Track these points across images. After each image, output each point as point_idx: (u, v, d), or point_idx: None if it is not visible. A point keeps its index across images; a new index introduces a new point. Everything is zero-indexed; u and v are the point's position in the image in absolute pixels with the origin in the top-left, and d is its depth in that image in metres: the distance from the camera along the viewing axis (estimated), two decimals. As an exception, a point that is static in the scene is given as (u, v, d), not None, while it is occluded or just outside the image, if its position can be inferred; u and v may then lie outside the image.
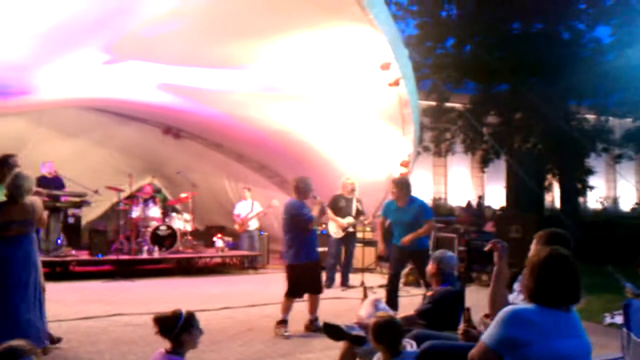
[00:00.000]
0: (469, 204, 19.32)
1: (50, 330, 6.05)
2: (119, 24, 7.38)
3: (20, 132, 12.03)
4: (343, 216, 10.47)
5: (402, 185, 7.79)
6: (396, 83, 9.32)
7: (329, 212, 10.42)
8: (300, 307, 7.14)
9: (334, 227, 10.61)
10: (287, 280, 7.06)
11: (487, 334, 2.79)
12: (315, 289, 7.11)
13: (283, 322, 6.87)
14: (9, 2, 6.30)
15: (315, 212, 7.14)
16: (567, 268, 2.81)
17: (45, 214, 6.02)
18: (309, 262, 7.04)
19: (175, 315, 3.54)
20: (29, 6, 6.46)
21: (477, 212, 16.95)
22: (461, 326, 4.02)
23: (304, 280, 7.01)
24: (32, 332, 5.38)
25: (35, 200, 5.78)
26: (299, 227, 7.02)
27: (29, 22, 6.68)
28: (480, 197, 22.46)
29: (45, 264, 6.60)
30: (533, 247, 3.87)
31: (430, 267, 5.09)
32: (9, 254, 5.53)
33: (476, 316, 3.82)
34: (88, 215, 13.45)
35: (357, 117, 10.56)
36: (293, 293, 7.00)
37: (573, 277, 2.81)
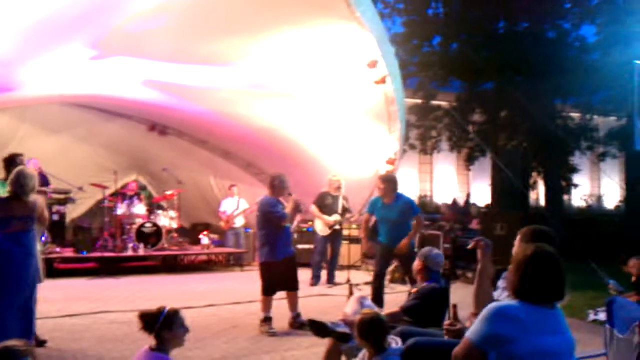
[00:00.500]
0: (454, 202, 19.39)
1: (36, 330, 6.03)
2: (105, 19, 7.32)
3: (4, 128, 11.93)
4: (329, 214, 10.47)
5: (389, 181, 7.80)
6: (383, 81, 9.32)
7: (315, 209, 10.42)
8: (284, 305, 7.14)
9: (320, 225, 10.60)
10: (262, 278, 7.04)
11: (472, 331, 2.79)
12: (292, 286, 7.09)
13: (267, 320, 6.86)
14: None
15: (289, 209, 7.12)
16: (552, 265, 2.82)
17: (47, 213, 6.01)
18: (283, 259, 7.01)
19: (158, 312, 3.53)
20: (13, 1, 6.39)
21: (462, 210, 17.02)
22: (446, 322, 4.04)
23: (280, 278, 6.98)
24: (24, 330, 5.37)
25: (38, 198, 5.78)
26: (273, 224, 7.00)
27: (12, 16, 6.61)
28: (469, 195, 22.55)
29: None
30: (517, 244, 3.89)
31: (416, 264, 5.11)
32: (9, 250, 5.52)
33: (461, 313, 3.84)
34: (73, 212, 13.34)
35: (344, 114, 10.56)
36: (268, 291, 6.98)
37: (558, 274, 2.83)
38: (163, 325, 3.50)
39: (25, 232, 5.61)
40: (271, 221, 7.00)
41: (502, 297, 3.88)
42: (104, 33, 7.74)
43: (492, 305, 2.83)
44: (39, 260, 5.79)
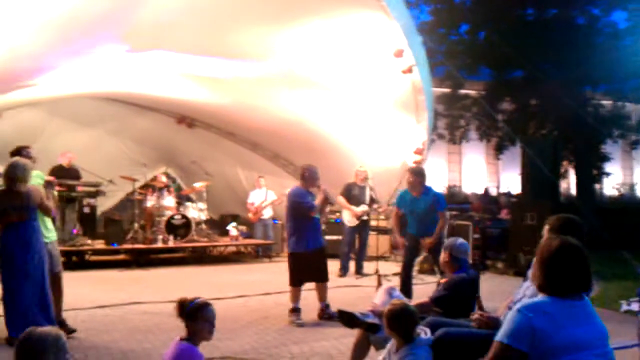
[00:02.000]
0: (486, 192, 19.23)
1: (66, 319, 6.12)
2: (131, 12, 7.36)
3: (36, 122, 12.12)
4: (357, 204, 10.44)
5: (417, 174, 7.77)
6: (409, 70, 9.26)
7: (343, 200, 10.40)
8: (313, 295, 7.15)
9: (348, 216, 10.59)
10: (290, 268, 7.06)
11: (502, 333, 2.75)
12: (320, 277, 7.09)
13: (295, 311, 6.88)
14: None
15: (318, 200, 7.12)
16: (576, 258, 2.79)
17: (51, 202, 6.09)
18: (312, 249, 7.01)
19: (187, 301, 3.56)
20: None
21: (492, 200, 16.88)
22: (474, 313, 4.01)
23: (308, 269, 6.99)
24: (40, 318, 5.47)
25: (31, 188, 5.85)
26: (302, 214, 7.01)
27: (43, 10, 6.69)
28: (498, 185, 22.33)
29: (61, 253, 6.67)
30: (545, 233, 3.84)
31: (442, 256, 5.08)
32: (6, 240, 5.68)
33: (490, 303, 3.80)
34: (103, 204, 13.52)
35: (371, 104, 10.51)
36: (296, 281, 7.00)
37: (583, 266, 2.80)
38: (188, 316, 3.52)
39: (22, 222, 5.72)
40: (300, 212, 7.01)
41: (531, 288, 3.83)
42: (131, 27, 7.79)
43: (518, 304, 2.80)
44: (44, 251, 5.84)
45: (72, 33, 7.45)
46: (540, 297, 2.82)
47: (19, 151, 6.30)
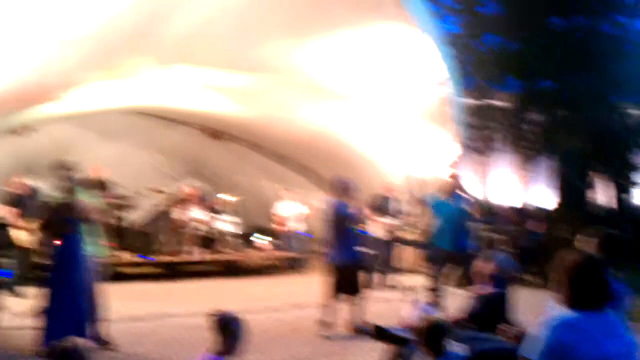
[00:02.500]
0: (516, 203, 19.00)
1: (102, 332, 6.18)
2: (158, 28, 7.45)
3: (66, 136, 12.28)
4: (384, 216, 10.40)
5: (452, 182, 7.80)
6: (439, 82, 9.23)
7: (370, 212, 10.37)
8: (344, 308, 7.12)
9: (375, 228, 10.55)
10: (327, 280, 7.05)
11: (530, 348, 2.73)
12: (355, 290, 7.07)
13: (327, 323, 6.86)
14: (47, 9, 6.41)
15: (356, 212, 7.12)
16: (596, 270, 2.78)
17: (98, 215, 6.22)
18: (349, 262, 7.01)
19: (217, 314, 3.57)
20: (71, 11, 6.57)
21: (522, 212, 16.66)
22: (504, 327, 3.95)
23: (344, 281, 6.97)
24: (75, 331, 5.54)
25: (84, 201, 5.95)
26: (338, 226, 7.01)
27: (72, 27, 6.80)
28: (528, 197, 22.03)
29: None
30: (580, 245, 3.79)
31: (483, 267, 5.02)
32: (56, 252, 5.77)
33: (522, 317, 3.75)
34: (133, 217, 13.63)
35: (399, 116, 10.49)
36: (331, 293, 6.98)
37: (603, 278, 2.77)
38: (218, 329, 3.53)
39: (70, 235, 5.83)
40: (338, 224, 7.01)
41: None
42: (160, 42, 7.89)
43: (546, 320, 2.78)
44: (87, 264, 5.92)
45: (102, 49, 7.56)
46: (567, 311, 2.80)
47: (61, 165, 6.40)
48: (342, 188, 7.15)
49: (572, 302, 2.76)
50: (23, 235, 8.92)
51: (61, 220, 5.81)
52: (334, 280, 6.98)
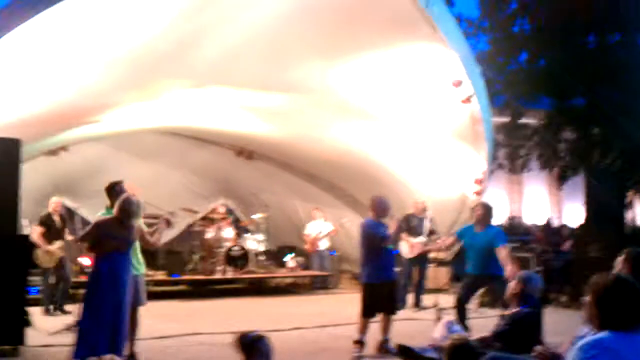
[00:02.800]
0: (548, 223, 18.73)
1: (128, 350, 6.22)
2: (193, 50, 7.57)
3: (100, 156, 12.49)
4: (415, 236, 10.34)
5: (486, 208, 7.73)
6: (468, 100, 9.19)
7: (403, 232, 10.30)
8: (373, 327, 7.07)
9: (406, 247, 10.48)
10: (362, 299, 7.02)
11: None
12: (388, 309, 7.03)
13: (359, 343, 6.81)
14: (82, 30, 6.55)
15: (391, 230, 7.10)
16: (626, 292, 2.76)
17: (157, 236, 6.50)
18: (383, 281, 6.98)
19: (244, 334, 3.58)
20: (108, 35, 6.71)
21: (554, 231, 16.41)
22: (541, 349, 3.89)
23: (378, 300, 6.94)
24: (107, 349, 5.57)
25: (139, 224, 6.09)
26: (374, 245, 6.99)
27: (109, 50, 6.95)
28: (561, 216, 21.71)
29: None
30: (619, 264, 3.73)
31: (514, 287, 4.96)
32: (99, 268, 5.81)
33: (553, 338, 3.69)
34: (164, 236, 13.75)
35: (429, 135, 10.45)
36: (367, 312, 6.95)
37: (633, 299, 2.75)
38: (245, 349, 3.53)
39: (118, 254, 5.84)
40: (373, 243, 7.00)
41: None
42: (195, 64, 8.01)
43: (580, 343, 2.76)
44: (128, 285, 5.94)
45: (138, 71, 7.71)
46: (601, 333, 2.76)
47: (113, 187, 6.52)
48: (375, 207, 7.14)
49: (603, 322, 2.74)
50: (52, 255, 9.06)
51: (114, 239, 5.85)
52: (369, 300, 6.95)
